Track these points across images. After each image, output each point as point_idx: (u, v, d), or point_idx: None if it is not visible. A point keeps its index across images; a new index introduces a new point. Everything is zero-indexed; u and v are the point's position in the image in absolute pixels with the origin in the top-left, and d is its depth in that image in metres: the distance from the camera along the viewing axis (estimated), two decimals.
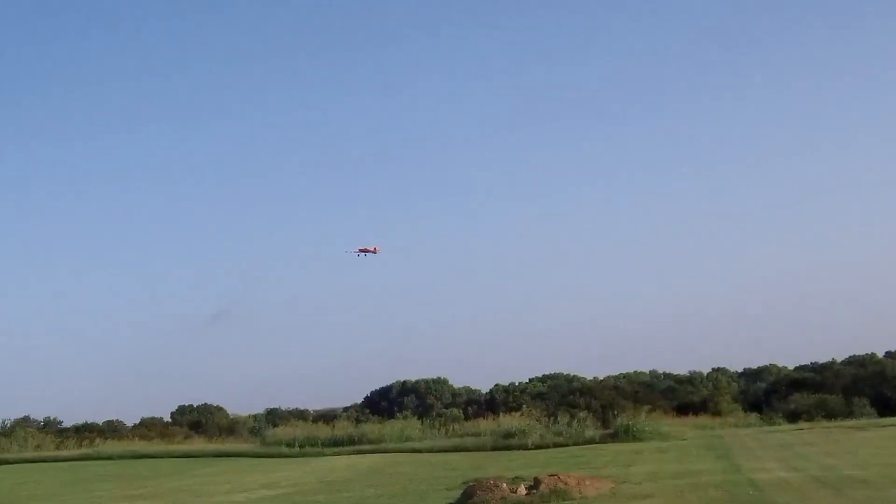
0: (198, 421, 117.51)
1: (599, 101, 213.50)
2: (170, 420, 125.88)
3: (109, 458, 74.30)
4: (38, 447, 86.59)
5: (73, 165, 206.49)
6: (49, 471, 65.52)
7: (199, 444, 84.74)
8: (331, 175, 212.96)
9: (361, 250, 79.97)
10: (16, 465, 72.04)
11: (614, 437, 65.30)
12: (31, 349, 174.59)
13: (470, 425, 78.93)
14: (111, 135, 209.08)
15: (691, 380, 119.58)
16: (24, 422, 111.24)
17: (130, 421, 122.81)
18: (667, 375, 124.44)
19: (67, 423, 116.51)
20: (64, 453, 78.55)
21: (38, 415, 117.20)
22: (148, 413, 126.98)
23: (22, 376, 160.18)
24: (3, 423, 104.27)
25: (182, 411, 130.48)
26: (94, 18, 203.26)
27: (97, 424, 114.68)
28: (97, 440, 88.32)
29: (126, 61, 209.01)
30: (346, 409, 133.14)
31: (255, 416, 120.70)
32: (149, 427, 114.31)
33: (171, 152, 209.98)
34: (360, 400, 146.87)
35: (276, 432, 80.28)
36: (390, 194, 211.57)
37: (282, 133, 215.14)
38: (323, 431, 77.68)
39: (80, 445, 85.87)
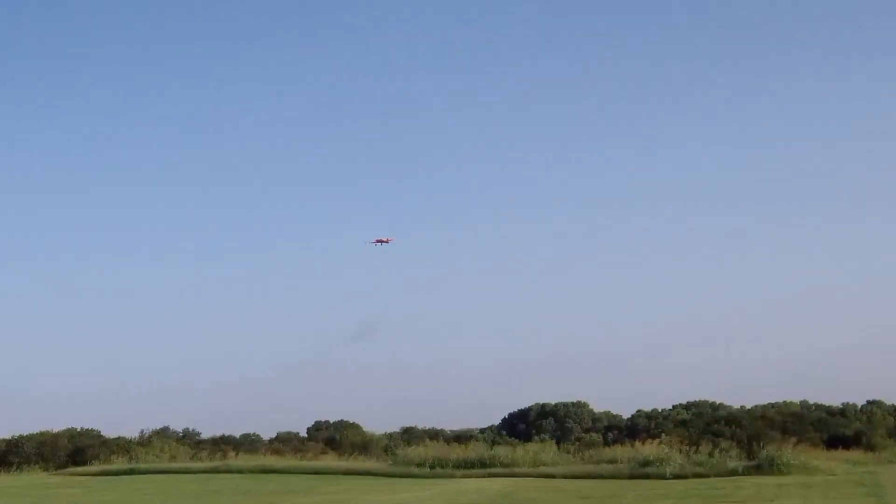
0: (332, 437, 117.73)
1: None
2: (305, 435, 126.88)
3: (239, 471, 74.49)
4: (172, 458, 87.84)
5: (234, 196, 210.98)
6: (178, 482, 65.99)
7: (330, 460, 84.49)
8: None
9: (377, 241, 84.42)
10: (146, 476, 72.98)
11: (758, 470, 62.31)
12: (175, 361, 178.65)
13: (607, 451, 76.76)
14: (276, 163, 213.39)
15: (844, 412, 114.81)
16: (163, 432, 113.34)
17: (267, 435, 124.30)
18: (818, 406, 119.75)
19: (205, 435, 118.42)
20: (196, 465, 79.30)
21: (178, 426, 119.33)
22: (284, 428, 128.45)
23: (165, 387, 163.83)
24: (142, 432, 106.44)
25: (318, 427, 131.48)
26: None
27: (233, 437, 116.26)
28: (230, 453, 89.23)
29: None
30: (482, 431, 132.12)
31: (389, 435, 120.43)
32: (283, 441, 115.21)
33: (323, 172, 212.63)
34: (497, 421, 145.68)
35: (408, 452, 79.39)
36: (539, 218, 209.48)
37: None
38: (455, 452, 76.37)
39: (213, 458, 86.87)
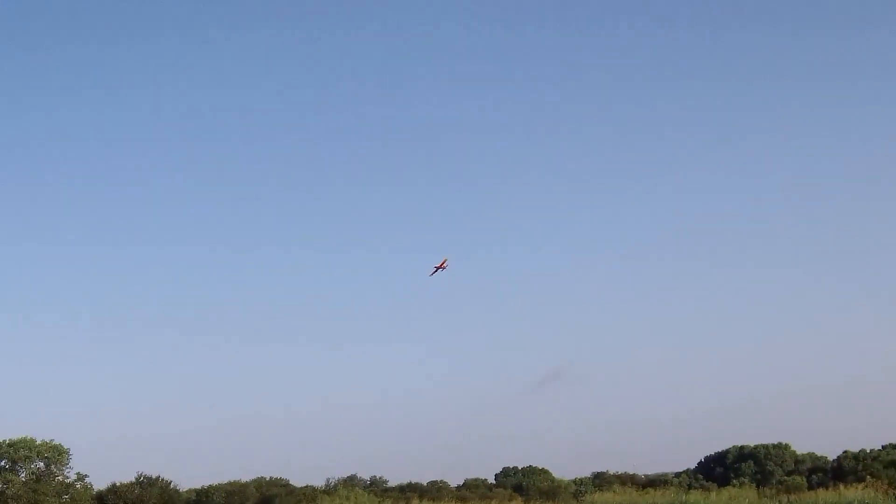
0: (519, 484, 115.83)
1: None
2: (493, 482, 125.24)
3: None
4: None
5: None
6: None
7: None
8: None
9: (435, 269, 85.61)
10: None
11: None
12: (365, 408, 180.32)
13: (809, 496, 72.43)
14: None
15: None
16: (350, 480, 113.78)
17: (454, 481, 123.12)
18: None
19: (392, 483, 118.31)
20: None
21: (365, 473, 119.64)
22: (472, 474, 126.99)
23: (352, 435, 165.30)
24: (328, 481, 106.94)
25: (506, 473, 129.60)
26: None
27: (420, 484, 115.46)
28: (415, 500, 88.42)
29: None
30: (677, 475, 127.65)
31: (579, 480, 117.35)
32: (470, 488, 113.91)
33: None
34: (693, 465, 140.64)
35: (596, 498, 76.80)
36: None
37: None
38: (644, 498, 73.47)
39: None
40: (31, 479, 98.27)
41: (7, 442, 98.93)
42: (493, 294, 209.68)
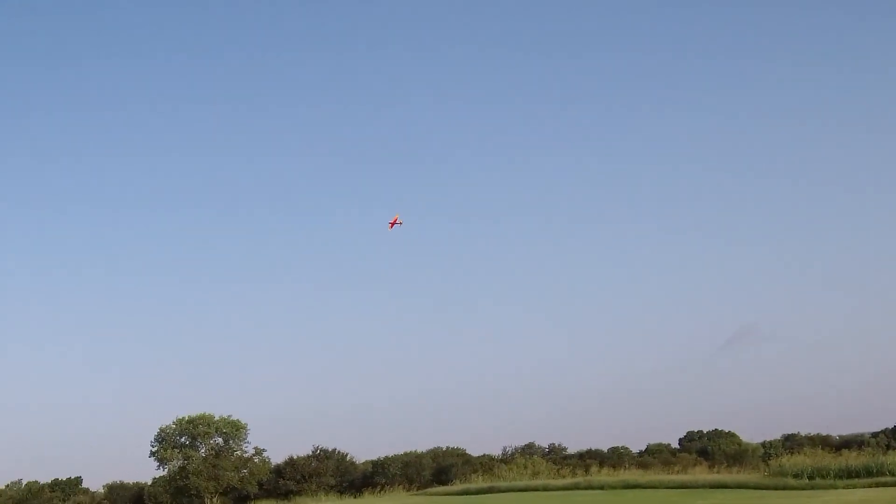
0: (704, 448, 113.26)
1: None
2: (677, 447, 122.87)
3: (601, 487, 71.83)
4: (535, 475, 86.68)
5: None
6: (532, 500, 64.44)
7: (698, 473, 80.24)
8: None
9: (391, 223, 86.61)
10: (504, 494, 72.00)
11: None
12: (545, 375, 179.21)
13: None
14: None
15: None
16: (528, 448, 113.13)
17: (636, 447, 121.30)
18: None
19: (572, 450, 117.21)
20: (555, 482, 77.34)
21: (544, 441, 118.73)
22: (655, 439, 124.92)
23: (531, 402, 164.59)
24: (505, 449, 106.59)
25: (690, 437, 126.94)
26: None
27: (601, 451, 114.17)
28: (594, 468, 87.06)
29: None
30: (874, 435, 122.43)
31: (769, 443, 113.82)
32: (653, 454, 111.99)
33: None
34: (891, 425, 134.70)
35: (782, 462, 73.68)
36: None
37: None
38: (837, 461, 70.00)
39: (576, 473, 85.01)
40: (211, 454, 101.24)
41: (187, 419, 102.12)
42: (678, 251, 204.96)
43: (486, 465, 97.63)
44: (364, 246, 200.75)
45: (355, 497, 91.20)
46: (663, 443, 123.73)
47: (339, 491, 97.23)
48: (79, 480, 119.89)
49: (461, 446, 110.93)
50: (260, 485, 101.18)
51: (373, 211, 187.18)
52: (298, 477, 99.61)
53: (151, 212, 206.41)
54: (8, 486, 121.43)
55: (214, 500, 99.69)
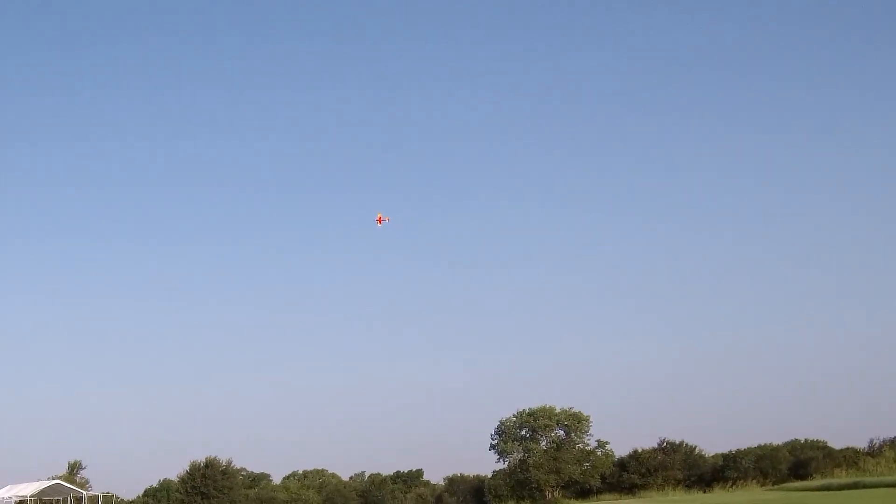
0: None
1: None
2: None
3: None
4: None
5: None
6: None
7: None
8: None
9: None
10: (870, 491, 66.60)
11: None
12: None
13: None
14: None
15: None
16: None
17: None
18: None
19: None
20: None
21: None
22: None
23: None
24: (872, 441, 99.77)
25: None
26: None
27: None
28: None
29: None
30: None
31: None
32: None
33: None
34: None
35: None
36: None
37: None
38: None
39: None
40: (552, 446, 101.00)
41: (527, 411, 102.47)
42: None
43: (849, 458, 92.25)
44: None
45: (704, 492, 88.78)
46: None
47: (686, 485, 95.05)
48: (420, 473, 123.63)
49: (821, 438, 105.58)
50: (602, 478, 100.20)
51: None
52: (643, 470, 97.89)
53: None
54: (352, 478, 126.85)
55: (555, 493, 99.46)
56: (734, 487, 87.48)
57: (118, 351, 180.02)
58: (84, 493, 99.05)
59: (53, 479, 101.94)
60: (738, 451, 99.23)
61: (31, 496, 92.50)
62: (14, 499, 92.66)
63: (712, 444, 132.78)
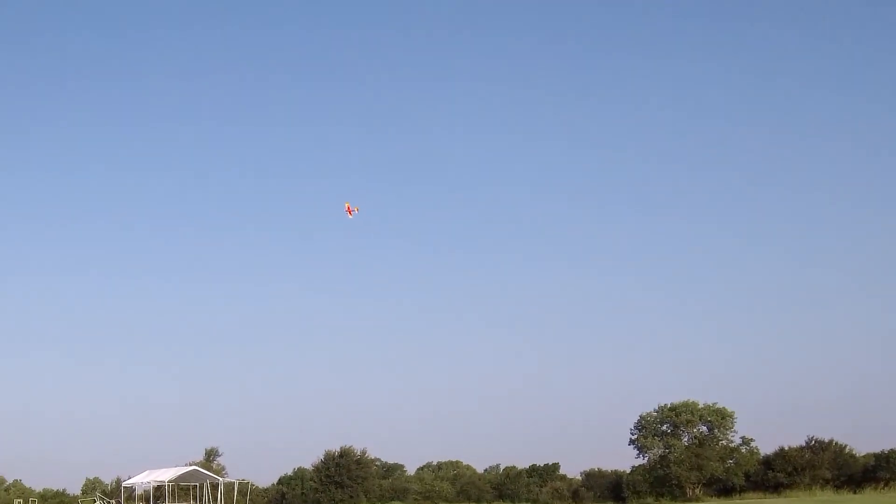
0: None
1: None
2: None
3: None
4: None
5: None
6: None
7: None
8: None
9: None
10: None
11: None
12: None
13: None
14: None
15: None
16: None
17: None
18: None
19: None
20: None
21: None
22: None
23: None
24: None
25: None
26: None
27: None
28: None
29: None
30: None
31: None
32: None
33: None
34: None
35: None
36: None
37: None
38: None
39: None
40: (694, 443, 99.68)
41: (669, 406, 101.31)
42: None
43: None
44: None
45: (854, 493, 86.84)
46: None
47: (835, 486, 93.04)
48: (556, 466, 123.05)
49: None
50: (747, 476, 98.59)
51: None
52: (790, 469, 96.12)
53: None
54: (487, 470, 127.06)
55: (697, 490, 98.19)
56: (887, 489, 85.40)
57: (256, 344, 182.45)
58: (220, 479, 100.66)
59: (191, 465, 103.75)
60: (892, 451, 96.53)
61: (168, 481, 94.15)
62: (153, 483, 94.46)
63: (864, 443, 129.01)
